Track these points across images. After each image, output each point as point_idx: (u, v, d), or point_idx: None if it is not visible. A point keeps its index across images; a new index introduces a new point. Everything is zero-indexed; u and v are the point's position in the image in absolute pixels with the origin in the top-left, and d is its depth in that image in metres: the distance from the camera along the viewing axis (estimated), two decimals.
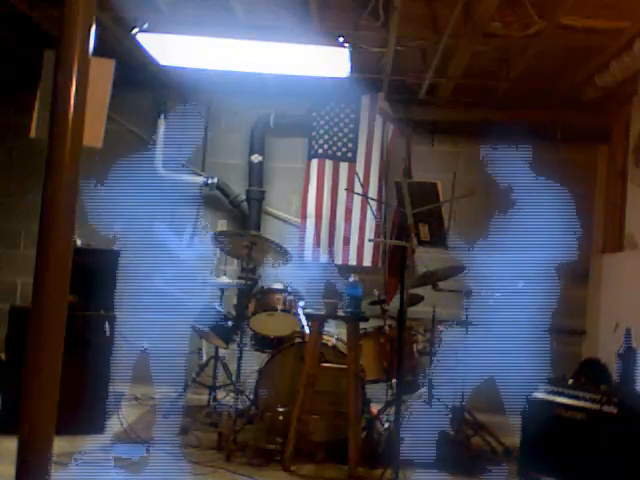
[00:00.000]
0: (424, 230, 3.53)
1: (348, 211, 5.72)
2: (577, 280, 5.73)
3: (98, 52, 1.98)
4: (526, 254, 5.21)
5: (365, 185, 5.65)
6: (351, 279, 3.93)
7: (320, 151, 5.77)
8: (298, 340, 4.26)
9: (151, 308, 5.22)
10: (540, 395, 3.77)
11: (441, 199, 3.46)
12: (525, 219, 5.34)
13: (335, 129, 5.78)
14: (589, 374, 3.94)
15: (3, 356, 4.14)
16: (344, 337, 4.05)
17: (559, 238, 5.30)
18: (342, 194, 5.74)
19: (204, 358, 5.36)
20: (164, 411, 4.65)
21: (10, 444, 1.89)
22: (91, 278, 4.22)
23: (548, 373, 4.08)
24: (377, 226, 5.64)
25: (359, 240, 5.69)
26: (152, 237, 5.47)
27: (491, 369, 4.89)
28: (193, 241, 5.77)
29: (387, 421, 4.24)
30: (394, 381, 4.11)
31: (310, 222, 5.74)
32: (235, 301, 5.43)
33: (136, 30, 4.28)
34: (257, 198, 5.89)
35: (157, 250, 5.50)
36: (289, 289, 4.50)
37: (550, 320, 5.38)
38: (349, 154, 5.76)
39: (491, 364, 4.84)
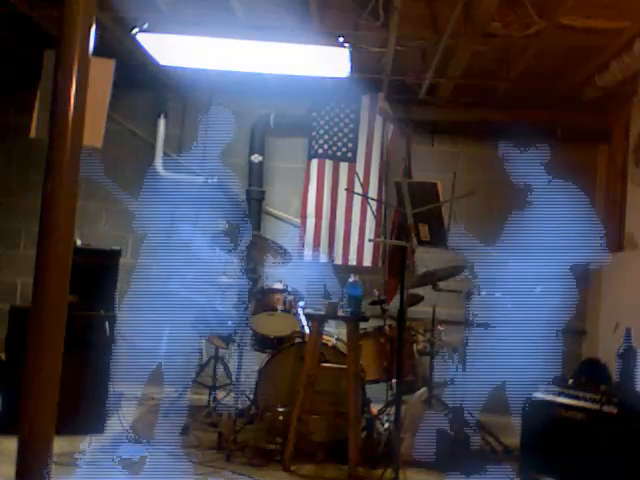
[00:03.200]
0: (424, 230, 3.54)
1: (348, 211, 5.72)
2: (577, 280, 5.72)
3: (98, 52, 1.98)
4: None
5: (365, 185, 5.65)
6: (351, 279, 3.93)
7: (320, 151, 5.77)
8: (298, 340, 4.26)
9: (163, 309, 5.16)
10: (540, 395, 3.77)
11: (441, 199, 3.46)
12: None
13: (335, 129, 5.77)
14: (589, 374, 3.94)
15: (3, 356, 4.14)
16: (344, 337, 4.04)
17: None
18: (342, 194, 5.73)
19: (204, 358, 5.36)
20: (164, 411, 4.65)
21: (10, 444, 1.89)
22: (91, 278, 4.22)
23: (551, 373, 4.07)
24: (377, 226, 5.64)
25: (359, 240, 5.69)
26: (173, 238, 5.37)
27: (494, 369, 4.87)
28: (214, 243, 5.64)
29: (387, 421, 4.23)
30: (394, 381, 4.10)
31: (310, 222, 5.73)
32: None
33: (136, 30, 4.29)
34: (257, 198, 5.89)
35: (177, 251, 5.40)
36: (289, 289, 4.50)
37: (548, 320, 5.37)
38: (349, 154, 5.75)
39: (494, 364, 4.83)
